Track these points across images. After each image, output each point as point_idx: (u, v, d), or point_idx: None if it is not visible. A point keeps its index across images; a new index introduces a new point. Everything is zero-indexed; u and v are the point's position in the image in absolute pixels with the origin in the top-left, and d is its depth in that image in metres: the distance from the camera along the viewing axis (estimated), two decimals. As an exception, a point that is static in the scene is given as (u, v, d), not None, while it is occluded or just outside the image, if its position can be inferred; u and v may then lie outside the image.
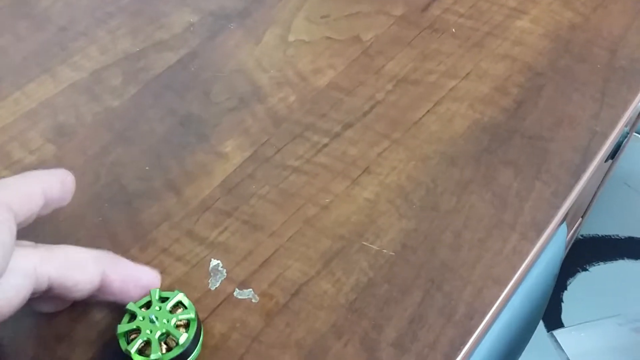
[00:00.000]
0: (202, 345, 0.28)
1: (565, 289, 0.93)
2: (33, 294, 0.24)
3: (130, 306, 0.27)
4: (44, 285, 0.24)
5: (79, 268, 0.25)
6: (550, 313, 0.90)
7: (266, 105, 0.39)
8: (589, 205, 0.59)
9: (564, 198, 0.33)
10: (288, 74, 0.40)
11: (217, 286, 0.31)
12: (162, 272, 0.31)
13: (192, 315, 0.26)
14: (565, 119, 0.37)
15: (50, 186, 0.27)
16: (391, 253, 0.31)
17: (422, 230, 0.32)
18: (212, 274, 0.31)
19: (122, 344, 0.26)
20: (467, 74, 0.39)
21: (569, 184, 0.34)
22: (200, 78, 0.41)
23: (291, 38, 0.42)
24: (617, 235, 0.99)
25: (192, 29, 0.44)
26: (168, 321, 0.26)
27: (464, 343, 0.28)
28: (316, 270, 0.31)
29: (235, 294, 0.30)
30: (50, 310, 0.29)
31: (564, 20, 0.42)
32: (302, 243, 0.32)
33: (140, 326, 0.26)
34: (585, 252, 0.96)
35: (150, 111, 0.39)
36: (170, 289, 0.30)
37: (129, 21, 0.45)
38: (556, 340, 0.82)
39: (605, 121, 0.36)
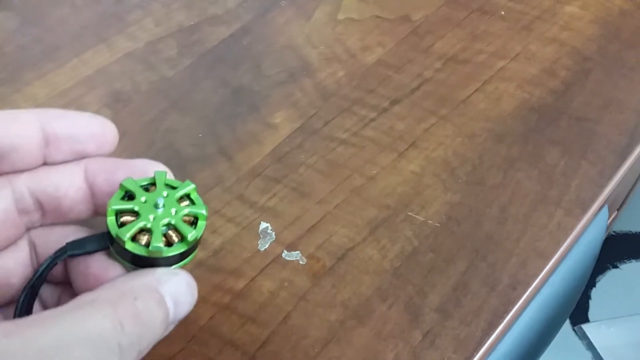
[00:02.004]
0: (252, 301, 0.29)
1: (594, 286, 0.92)
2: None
3: (127, 182, 0.21)
4: None
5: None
6: (577, 310, 0.90)
7: (315, 79, 0.40)
8: (625, 199, 0.59)
9: (609, 178, 0.33)
10: (337, 50, 0.41)
11: (266, 247, 0.32)
12: (213, 232, 0.32)
13: (203, 211, 0.21)
14: (613, 103, 0.37)
15: (53, 119, 0.21)
16: (436, 224, 0.32)
17: (467, 204, 0.33)
18: (261, 235, 0.32)
19: (112, 224, 0.20)
20: (516, 55, 0.39)
21: (614, 165, 0.34)
22: (251, 52, 0.42)
23: (341, 16, 0.43)
24: (651, 233, 0.98)
25: (244, 5, 0.45)
26: (177, 212, 0.20)
27: (507, 312, 0.29)
28: (362, 237, 0.32)
29: (283, 255, 0.31)
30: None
31: (614, 7, 0.42)
32: (349, 211, 0.33)
33: (140, 209, 0.20)
34: (617, 248, 0.95)
35: (204, 82, 0.40)
36: (222, 249, 0.32)
37: (183, -5, 0.46)
38: (585, 334, 0.82)
39: (653, 106, 0.37)
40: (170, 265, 0.20)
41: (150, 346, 0.18)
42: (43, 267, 0.20)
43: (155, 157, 0.36)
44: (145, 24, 0.44)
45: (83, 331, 0.16)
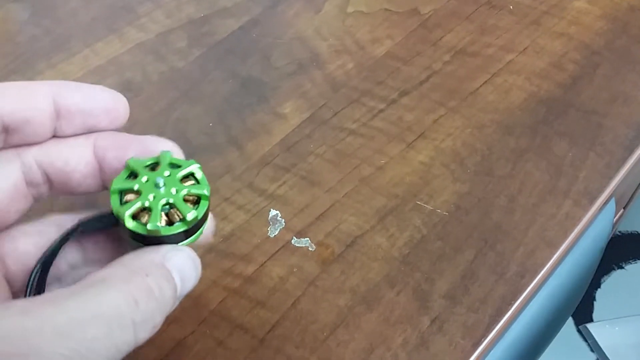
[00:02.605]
0: (261, 286, 0.29)
1: (599, 286, 0.92)
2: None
3: (132, 161, 0.21)
4: None
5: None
6: (581, 310, 0.90)
7: (324, 71, 0.40)
8: (631, 197, 0.59)
9: (617, 170, 0.34)
10: (346, 42, 0.41)
11: (275, 234, 0.32)
12: (223, 219, 0.33)
13: (205, 191, 0.21)
14: (620, 96, 0.37)
15: (66, 91, 0.21)
16: (445, 213, 0.32)
17: (476, 194, 0.33)
18: (271, 222, 0.32)
19: (114, 203, 0.20)
20: (525, 48, 0.39)
21: (621, 157, 0.34)
22: (261, 44, 0.42)
23: (350, 9, 0.44)
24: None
25: (254, -3, 0.45)
26: (177, 192, 0.20)
27: (514, 299, 0.29)
28: (371, 225, 0.32)
29: (293, 241, 0.32)
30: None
31: (622, 2, 0.42)
32: (358, 200, 0.33)
33: (142, 188, 0.20)
34: (623, 249, 0.95)
35: (214, 73, 0.41)
36: (233, 235, 0.32)
37: (193, -12, 0.46)
38: (590, 333, 0.82)
39: (661, 100, 0.37)
40: (176, 243, 0.20)
41: (162, 321, 0.18)
42: (56, 243, 0.20)
43: (165, 146, 0.36)
44: (155, 16, 0.45)
45: (97, 308, 0.16)
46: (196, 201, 0.21)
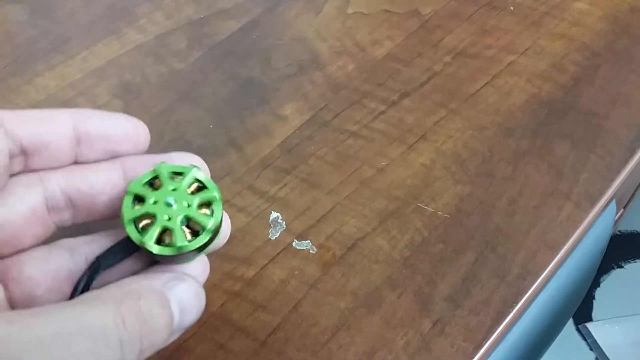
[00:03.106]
0: (262, 288, 0.29)
1: (599, 285, 0.92)
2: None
3: (133, 186, 0.20)
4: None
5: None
6: (581, 309, 0.90)
7: (325, 72, 0.40)
8: (631, 197, 0.59)
9: (618, 172, 0.34)
10: (347, 44, 0.41)
11: (276, 236, 0.32)
12: (224, 221, 0.33)
13: (215, 193, 0.21)
14: (621, 98, 0.37)
15: (86, 118, 0.21)
16: (446, 215, 0.32)
17: (477, 196, 0.33)
18: (272, 225, 0.32)
19: (133, 233, 0.20)
20: (525, 50, 0.39)
21: (622, 159, 0.34)
22: (261, 45, 0.42)
23: (350, 10, 0.43)
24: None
25: (254, -2, 0.45)
26: (189, 205, 0.20)
27: (516, 302, 0.29)
28: (372, 227, 0.32)
29: (294, 244, 0.32)
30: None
31: (623, 4, 0.42)
32: (359, 202, 0.33)
33: (154, 211, 0.20)
34: (622, 248, 0.95)
35: (213, 74, 0.40)
36: (233, 238, 0.32)
37: (193, -11, 0.46)
38: (589, 332, 0.82)
39: (662, 102, 0.37)
40: (202, 251, 0.20)
41: (153, 349, 0.18)
42: (81, 286, 0.20)
43: (165, 148, 0.36)
44: (155, 17, 0.45)
45: (83, 323, 0.16)
46: (208, 204, 0.21)
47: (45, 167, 0.21)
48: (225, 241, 0.22)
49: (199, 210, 0.20)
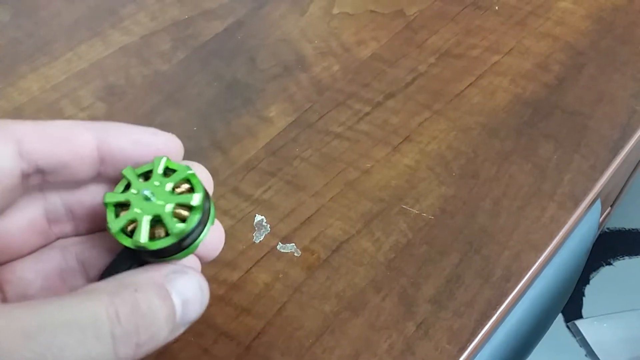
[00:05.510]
0: (247, 292, 0.29)
1: (588, 282, 0.93)
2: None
3: (127, 172, 0.20)
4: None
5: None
6: (571, 306, 0.90)
7: (310, 73, 0.40)
8: (618, 195, 0.59)
9: (602, 172, 0.34)
10: (332, 44, 0.41)
11: (261, 239, 0.32)
12: (208, 225, 0.32)
13: (195, 202, 0.19)
14: (605, 97, 0.37)
15: (111, 138, 0.20)
16: (430, 217, 0.32)
17: (461, 197, 0.33)
18: (256, 228, 0.32)
19: (109, 216, 0.19)
20: (510, 50, 0.39)
21: (607, 159, 0.34)
22: (246, 46, 0.42)
23: (335, 10, 0.43)
24: (645, 230, 0.98)
25: (239, -1, 0.45)
26: (166, 203, 0.19)
27: (500, 303, 0.29)
28: (356, 229, 0.32)
29: (278, 247, 0.31)
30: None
31: (607, 2, 0.42)
32: (343, 204, 0.33)
33: (132, 200, 0.19)
34: (611, 245, 0.96)
35: (198, 76, 0.40)
36: (216, 240, 0.32)
37: (177, -10, 0.46)
38: (578, 330, 0.82)
39: (646, 101, 0.37)
40: (172, 255, 0.19)
41: (154, 343, 0.17)
42: None
43: (149, 151, 0.36)
44: (139, 18, 0.44)
45: (71, 315, 0.16)
46: (190, 208, 0.19)
47: (64, 183, 0.20)
48: (217, 254, 0.21)
49: (180, 211, 0.19)
